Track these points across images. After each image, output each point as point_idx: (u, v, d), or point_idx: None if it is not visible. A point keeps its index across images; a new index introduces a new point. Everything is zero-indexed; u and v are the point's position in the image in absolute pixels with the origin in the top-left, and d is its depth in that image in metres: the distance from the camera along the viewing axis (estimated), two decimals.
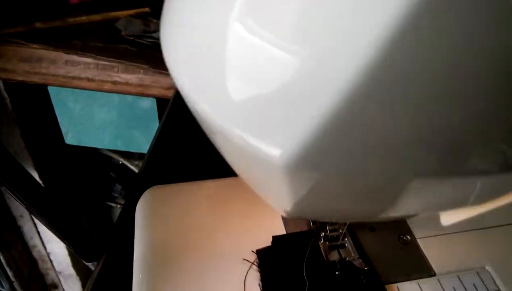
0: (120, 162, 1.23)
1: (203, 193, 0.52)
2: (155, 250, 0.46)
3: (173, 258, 0.45)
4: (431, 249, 0.47)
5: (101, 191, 1.31)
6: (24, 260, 1.32)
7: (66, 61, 0.96)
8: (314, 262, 0.45)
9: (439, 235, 0.48)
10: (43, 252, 1.35)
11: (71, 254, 1.34)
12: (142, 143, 1.03)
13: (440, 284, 0.44)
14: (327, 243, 0.46)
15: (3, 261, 1.26)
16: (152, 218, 0.49)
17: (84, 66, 0.96)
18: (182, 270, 0.44)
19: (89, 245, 0.61)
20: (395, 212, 0.29)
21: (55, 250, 1.38)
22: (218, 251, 0.46)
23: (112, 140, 1.05)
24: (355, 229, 0.48)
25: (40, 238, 1.32)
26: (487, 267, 0.46)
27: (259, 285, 0.43)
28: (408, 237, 0.48)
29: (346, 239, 0.47)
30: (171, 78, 0.29)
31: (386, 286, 0.44)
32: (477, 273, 0.45)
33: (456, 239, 0.48)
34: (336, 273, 0.43)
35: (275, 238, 0.47)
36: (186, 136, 0.69)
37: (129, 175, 1.25)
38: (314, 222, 0.48)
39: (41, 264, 1.40)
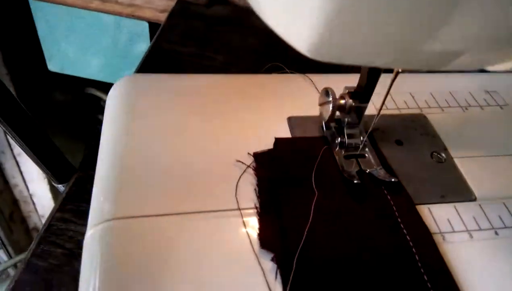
0: None
1: (191, 85, 0.42)
2: (126, 150, 0.36)
3: (148, 160, 0.36)
4: (471, 171, 0.37)
5: (87, 133, 1.21)
6: (5, 200, 1.22)
7: None
8: (326, 170, 0.35)
9: (480, 156, 0.39)
10: (25, 193, 1.24)
11: (55, 197, 1.24)
12: None
13: (483, 210, 0.35)
14: (343, 151, 0.37)
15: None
16: (125, 109, 0.39)
17: None
18: (158, 174, 0.35)
19: (62, 166, 0.53)
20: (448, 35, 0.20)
21: (38, 192, 1.27)
22: (207, 153, 0.37)
23: (98, 71, 0.94)
24: (378, 141, 0.38)
25: (23, 177, 1.21)
26: None
27: (254, 190, 0.34)
28: (443, 154, 0.38)
29: (366, 149, 0.37)
30: None
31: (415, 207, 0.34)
32: None
33: (500, 162, 0.39)
34: (355, 181, 0.34)
35: (278, 140, 0.37)
36: (174, 62, 0.59)
37: None
38: (328, 127, 0.38)
39: (23, 206, 1.29)
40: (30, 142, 0.55)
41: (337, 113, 0.36)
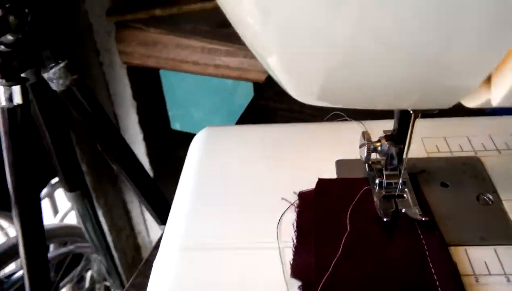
0: None
1: (255, 135, 0.48)
2: (201, 181, 0.44)
3: (215, 192, 0.42)
4: None
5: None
6: (129, 244, 1.39)
7: (177, 45, 1.00)
8: (362, 208, 0.38)
9: None
10: (147, 239, 1.41)
11: None
12: None
13: None
14: (383, 192, 0.39)
15: (111, 243, 1.34)
16: (203, 153, 0.47)
17: (192, 50, 0.99)
18: (221, 203, 0.41)
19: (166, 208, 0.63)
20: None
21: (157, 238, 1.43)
22: (261, 191, 0.42)
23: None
24: (421, 183, 0.39)
25: (145, 224, 1.38)
26: None
27: (292, 224, 0.38)
28: (491, 197, 0.38)
29: (406, 189, 0.39)
30: None
31: (451, 248, 0.35)
32: None
33: None
34: (384, 219, 0.36)
35: (321, 181, 0.41)
36: (267, 116, 0.66)
37: None
38: (371, 168, 0.40)
39: (144, 251, 1.46)
40: (141, 188, 0.66)
41: (378, 156, 0.38)
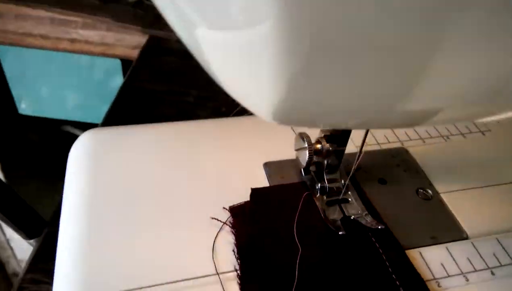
0: None
1: (157, 135, 0.39)
2: (90, 207, 0.34)
3: (114, 219, 0.33)
4: (459, 206, 0.36)
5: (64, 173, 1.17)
6: None
7: (17, 15, 0.82)
8: (308, 220, 0.33)
9: (466, 189, 0.37)
10: (2, 238, 1.19)
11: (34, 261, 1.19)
12: None
13: (476, 249, 0.33)
14: (325, 197, 0.35)
15: None
16: (88, 165, 0.36)
17: (37, 21, 0.83)
18: (125, 235, 0.32)
19: (31, 221, 0.50)
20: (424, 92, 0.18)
21: (15, 237, 1.22)
22: (178, 209, 0.34)
23: (74, 110, 0.91)
24: (360, 182, 0.36)
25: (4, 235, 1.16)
26: None
27: (233, 251, 0.31)
28: (429, 191, 0.36)
29: (349, 192, 0.35)
30: None
31: (407, 252, 0.32)
32: None
33: (488, 193, 0.37)
34: (340, 233, 0.31)
35: (255, 191, 0.35)
36: (147, 99, 0.57)
37: None
38: (307, 172, 0.36)
39: (1, 252, 1.23)
40: None
41: (315, 158, 0.34)
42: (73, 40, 0.82)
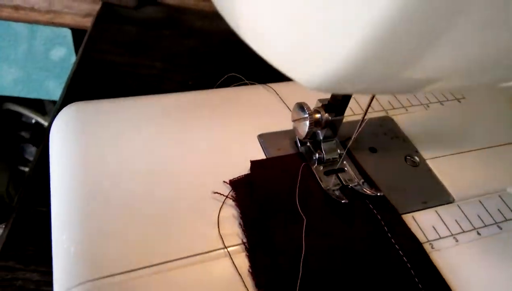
0: (33, 121, 1.03)
1: (145, 109, 0.38)
2: (82, 188, 0.32)
3: (107, 199, 0.32)
4: (444, 171, 0.37)
5: (10, 154, 1.09)
6: None
7: None
8: (309, 190, 0.34)
9: (449, 155, 0.39)
10: None
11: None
12: (55, 89, 0.84)
13: (462, 211, 0.35)
14: (322, 167, 0.35)
15: None
16: (74, 141, 0.35)
17: None
18: (123, 222, 0.31)
19: None
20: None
21: None
22: (175, 185, 0.33)
23: (15, 85, 0.85)
24: (352, 150, 0.37)
25: None
26: (509, 189, 0.38)
27: (239, 224, 0.32)
28: (416, 158, 0.38)
29: (345, 162, 0.36)
30: None
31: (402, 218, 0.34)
32: (499, 196, 0.37)
33: (470, 158, 0.39)
34: (343, 201, 0.32)
35: (255, 163, 0.35)
36: (107, 73, 0.54)
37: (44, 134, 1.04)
38: (303, 143, 0.36)
39: None
40: None
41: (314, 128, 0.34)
42: (16, 8, 0.75)
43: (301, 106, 0.33)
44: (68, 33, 0.77)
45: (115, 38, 0.60)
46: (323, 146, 0.35)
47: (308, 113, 0.33)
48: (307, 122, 0.33)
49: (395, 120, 0.41)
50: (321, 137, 0.35)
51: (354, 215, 0.33)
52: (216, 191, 0.33)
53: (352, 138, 0.33)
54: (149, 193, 0.33)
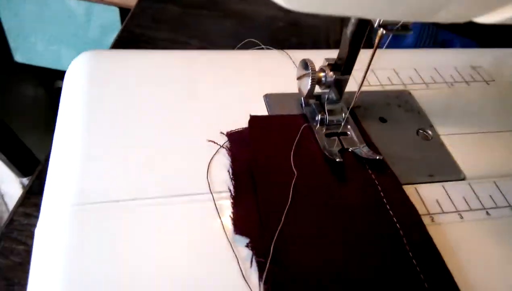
0: None
1: (159, 61, 0.39)
2: (87, 130, 0.33)
3: (110, 141, 0.32)
4: (459, 148, 0.35)
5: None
6: None
7: None
8: (306, 149, 0.33)
9: (467, 133, 0.37)
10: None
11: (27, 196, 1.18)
12: None
13: (473, 189, 0.33)
14: (324, 129, 0.34)
15: None
16: (86, 86, 0.36)
17: None
18: (122, 156, 0.31)
19: (25, 158, 0.50)
20: None
21: (10, 191, 1.21)
22: (175, 131, 0.33)
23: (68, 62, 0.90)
24: (361, 119, 0.36)
25: None
26: None
27: (228, 171, 0.31)
28: (429, 132, 0.36)
29: (349, 126, 0.34)
30: None
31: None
32: None
33: (488, 139, 0.36)
34: (337, 160, 0.31)
35: (254, 118, 0.34)
36: (146, 48, 0.55)
37: None
38: (308, 104, 0.35)
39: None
40: None
41: (317, 89, 0.33)
42: None
43: (305, 63, 0.33)
44: (117, 13, 0.81)
45: (157, 16, 0.62)
46: (326, 106, 0.34)
47: (311, 70, 0.32)
48: (310, 80, 0.32)
49: (413, 95, 0.39)
50: (325, 99, 0.34)
51: (349, 176, 0.31)
52: (212, 140, 0.33)
53: (353, 100, 0.32)
54: (150, 132, 0.33)
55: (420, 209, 0.31)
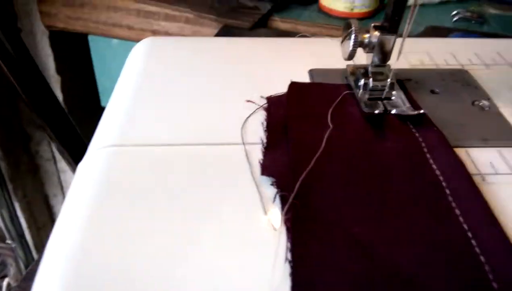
0: None
1: (212, 46, 0.41)
2: (145, 85, 0.35)
3: (159, 94, 0.35)
4: None
5: None
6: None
7: (108, 7, 0.90)
8: (346, 110, 0.32)
9: None
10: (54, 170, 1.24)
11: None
12: None
13: None
14: (367, 95, 0.33)
15: (30, 242, 1.17)
16: (147, 63, 0.38)
17: (125, 12, 0.90)
18: (167, 106, 0.33)
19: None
20: None
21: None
22: (219, 95, 0.34)
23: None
24: (410, 90, 0.34)
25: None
26: None
27: (262, 124, 0.31)
28: (486, 103, 0.33)
29: (394, 92, 0.33)
30: None
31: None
32: None
33: None
34: (376, 112, 0.29)
35: (294, 83, 0.34)
36: None
37: None
38: (353, 73, 0.34)
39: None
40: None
41: (361, 53, 0.32)
42: (154, 32, 0.87)
43: (348, 24, 0.32)
44: None
45: None
46: (370, 69, 0.33)
47: (354, 30, 0.31)
48: (352, 40, 0.31)
49: (470, 73, 0.36)
50: (370, 64, 0.33)
51: (389, 134, 0.29)
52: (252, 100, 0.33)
53: (403, 39, 0.30)
54: (194, 94, 0.35)
55: (471, 169, 0.28)
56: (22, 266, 1.13)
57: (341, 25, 0.37)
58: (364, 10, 0.68)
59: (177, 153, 0.29)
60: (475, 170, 0.28)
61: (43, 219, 1.21)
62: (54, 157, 1.13)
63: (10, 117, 1.01)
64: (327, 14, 0.69)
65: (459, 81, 0.35)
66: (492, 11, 0.71)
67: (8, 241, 1.10)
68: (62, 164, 1.14)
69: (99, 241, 0.24)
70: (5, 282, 1.12)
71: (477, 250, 0.22)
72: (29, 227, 1.16)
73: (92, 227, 0.24)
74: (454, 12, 0.67)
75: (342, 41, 0.33)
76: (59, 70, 1.05)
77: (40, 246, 1.20)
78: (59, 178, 1.19)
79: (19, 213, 1.12)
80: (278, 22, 0.71)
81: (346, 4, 0.67)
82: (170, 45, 0.41)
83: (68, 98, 1.09)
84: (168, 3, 0.86)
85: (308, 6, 0.74)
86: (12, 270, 1.14)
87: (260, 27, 0.71)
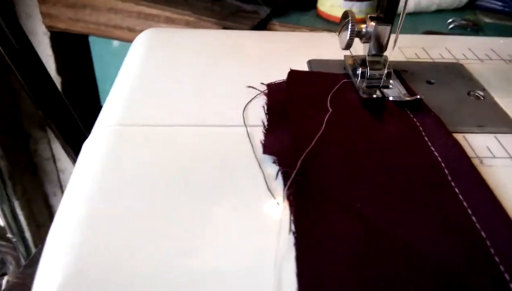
0: None
1: (214, 37, 0.41)
2: (147, 71, 0.36)
3: (163, 78, 0.35)
4: None
5: None
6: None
7: (109, 8, 0.91)
8: (344, 96, 0.32)
9: None
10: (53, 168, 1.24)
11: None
12: None
13: None
14: (364, 83, 0.33)
15: (29, 240, 1.17)
16: (149, 51, 0.39)
17: (127, 14, 0.91)
18: (171, 88, 0.34)
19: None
20: None
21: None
22: (221, 80, 0.35)
23: None
24: (407, 81, 0.35)
25: None
26: None
27: (263, 107, 0.31)
28: (482, 93, 0.34)
29: (391, 81, 0.34)
30: None
31: None
32: None
33: None
34: (374, 96, 0.30)
35: (294, 72, 0.35)
36: None
37: None
38: (351, 62, 0.35)
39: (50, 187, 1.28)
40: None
41: (358, 43, 0.33)
42: None
43: (345, 14, 0.33)
44: None
45: None
46: (367, 58, 0.34)
47: (351, 20, 0.32)
48: (349, 30, 0.32)
49: (465, 67, 0.37)
50: (367, 53, 0.34)
51: (387, 119, 0.30)
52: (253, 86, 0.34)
53: (396, 39, 0.31)
54: (195, 78, 0.35)
55: (468, 153, 0.28)
56: (22, 263, 1.13)
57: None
58: (362, 16, 0.69)
59: (181, 133, 0.30)
60: (473, 153, 0.29)
61: (43, 218, 1.21)
62: (53, 156, 1.13)
63: (10, 116, 1.01)
64: (325, 20, 0.70)
65: (454, 73, 0.36)
66: (487, 20, 0.72)
67: (9, 235, 1.09)
68: (62, 163, 1.13)
69: (103, 218, 0.24)
70: (4, 280, 1.11)
71: (478, 225, 0.23)
72: (29, 224, 1.16)
73: (97, 206, 0.25)
74: (450, 20, 0.68)
75: (340, 32, 0.34)
76: (59, 71, 1.06)
77: (40, 244, 1.19)
78: (58, 177, 1.18)
79: (19, 210, 1.11)
80: (277, 27, 0.73)
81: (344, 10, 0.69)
82: (173, 35, 0.42)
83: (68, 99, 1.09)
84: (168, 6, 0.87)
85: (307, 11, 0.75)
86: (11, 268, 1.13)
87: (260, 29, 0.72)
